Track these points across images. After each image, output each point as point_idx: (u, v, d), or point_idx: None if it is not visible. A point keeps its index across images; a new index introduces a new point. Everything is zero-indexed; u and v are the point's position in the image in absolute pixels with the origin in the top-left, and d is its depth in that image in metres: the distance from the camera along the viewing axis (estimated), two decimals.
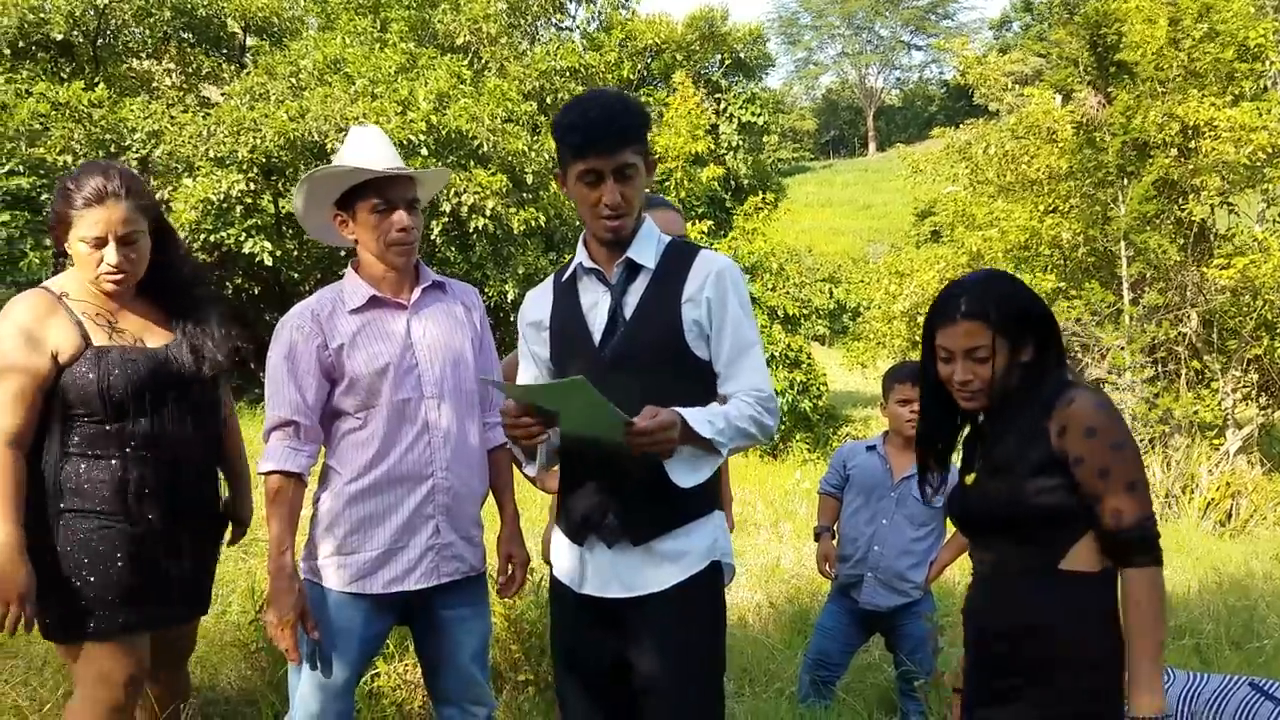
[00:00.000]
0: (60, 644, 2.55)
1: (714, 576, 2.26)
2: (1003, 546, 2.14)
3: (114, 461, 2.45)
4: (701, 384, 2.22)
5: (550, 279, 2.44)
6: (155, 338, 2.56)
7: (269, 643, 3.56)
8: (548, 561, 2.98)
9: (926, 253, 15.88)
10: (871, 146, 56.70)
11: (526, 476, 2.54)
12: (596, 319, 2.26)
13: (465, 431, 2.62)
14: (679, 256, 2.28)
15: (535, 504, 5.79)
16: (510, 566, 2.72)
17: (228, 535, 2.92)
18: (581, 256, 2.31)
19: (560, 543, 2.36)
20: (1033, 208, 12.46)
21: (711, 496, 2.27)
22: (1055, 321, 2.20)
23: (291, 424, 2.50)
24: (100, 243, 2.43)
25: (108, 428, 2.44)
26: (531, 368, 2.40)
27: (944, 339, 2.15)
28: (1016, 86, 14.96)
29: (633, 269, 2.26)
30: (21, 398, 2.37)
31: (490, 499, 2.76)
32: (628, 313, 2.23)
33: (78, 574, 2.43)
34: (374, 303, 2.58)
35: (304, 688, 2.53)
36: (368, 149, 2.57)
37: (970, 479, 2.21)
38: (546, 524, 3.11)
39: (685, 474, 2.11)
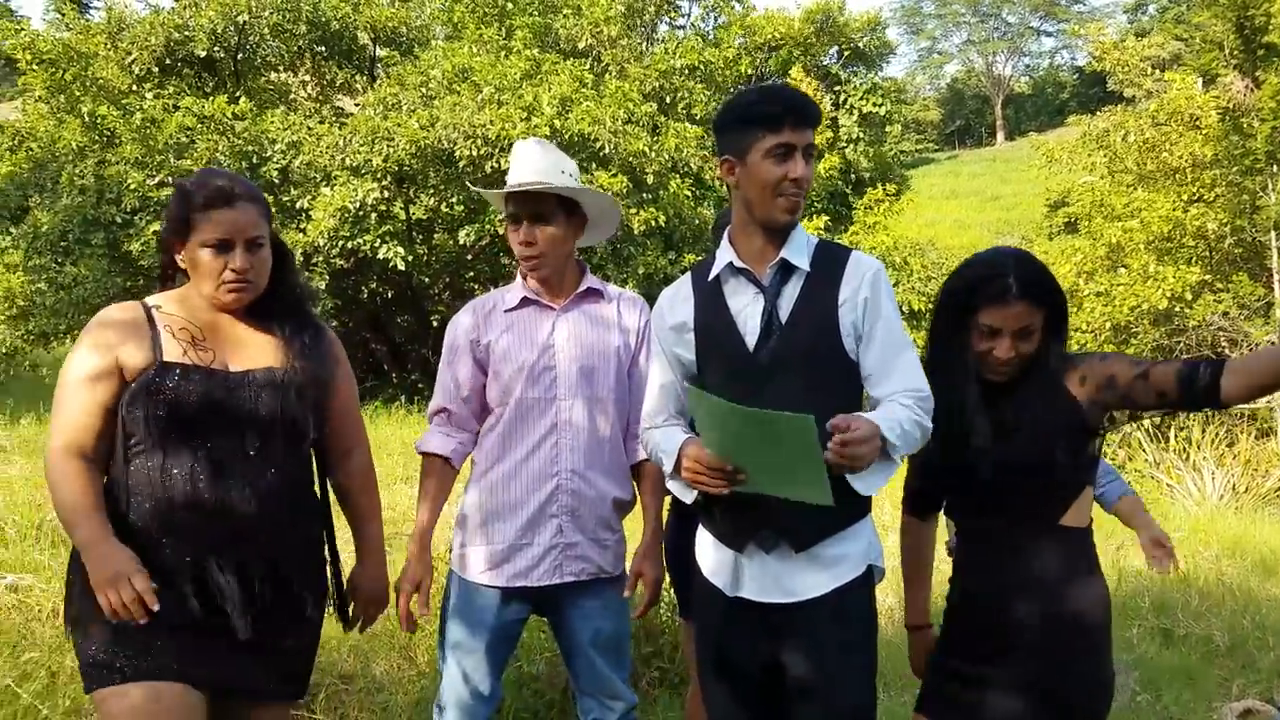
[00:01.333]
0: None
1: (868, 580, 2.25)
2: (1011, 506, 2.22)
3: (149, 489, 2.16)
4: (854, 387, 2.21)
5: (686, 279, 2.38)
6: (244, 362, 2.28)
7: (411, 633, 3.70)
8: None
9: (1061, 244, 15.35)
10: (999, 136, 54.99)
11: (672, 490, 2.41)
12: (748, 321, 2.21)
13: (600, 435, 2.65)
14: (832, 258, 2.24)
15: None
16: (639, 584, 2.69)
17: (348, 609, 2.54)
18: (729, 256, 2.25)
19: (707, 542, 2.33)
20: (1175, 197, 11.93)
21: (866, 499, 2.24)
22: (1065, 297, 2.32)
23: (444, 411, 2.71)
24: (225, 245, 2.22)
25: (150, 460, 2.16)
26: (669, 371, 2.36)
27: (992, 318, 2.18)
28: (1156, 71, 14.33)
29: (787, 270, 2.21)
30: (83, 412, 2.16)
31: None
32: (783, 315, 2.19)
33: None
34: (526, 303, 2.69)
35: (449, 673, 2.64)
36: (514, 164, 2.68)
37: (978, 442, 2.23)
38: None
39: (866, 483, 2.10)
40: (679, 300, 2.34)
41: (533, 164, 2.64)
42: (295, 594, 2.29)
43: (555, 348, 2.64)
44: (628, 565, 2.74)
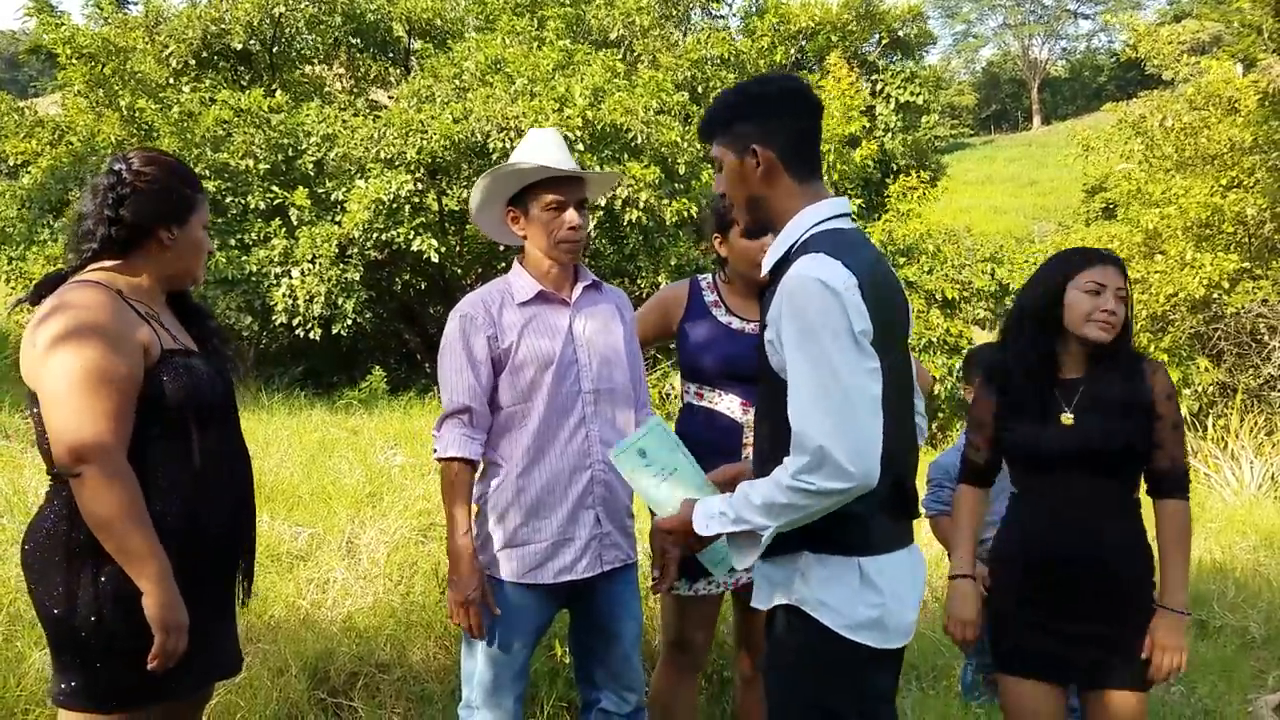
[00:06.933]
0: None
1: (793, 621, 1.97)
2: (1094, 479, 2.50)
3: (184, 481, 2.14)
4: None
5: None
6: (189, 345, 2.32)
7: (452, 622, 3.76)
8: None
9: (1098, 230, 15.14)
10: (1036, 120, 54.28)
11: None
12: None
13: (620, 424, 2.72)
14: (785, 267, 1.95)
15: None
16: (665, 562, 2.77)
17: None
18: None
19: None
20: (1214, 183, 11.73)
21: (803, 535, 1.91)
22: None
23: (467, 410, 2.61)
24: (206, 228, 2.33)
25: (182, 444, 2.13)
26: None
27: (1096, 275, 2.51)
28: (1190, 55, 14.09)
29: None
30: (123, 407, 2.02)
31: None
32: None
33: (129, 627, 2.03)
34: (540, 297, 2.70)
35: (482, 674, 2.64)
36: (549, 149, 2.69)
37: (1068, 419, 2.51)
38: None
39: (738, 555, 1.98)
40: None
41: (563, 152, 2.70)
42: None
43: (578, 341, 2.68)
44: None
